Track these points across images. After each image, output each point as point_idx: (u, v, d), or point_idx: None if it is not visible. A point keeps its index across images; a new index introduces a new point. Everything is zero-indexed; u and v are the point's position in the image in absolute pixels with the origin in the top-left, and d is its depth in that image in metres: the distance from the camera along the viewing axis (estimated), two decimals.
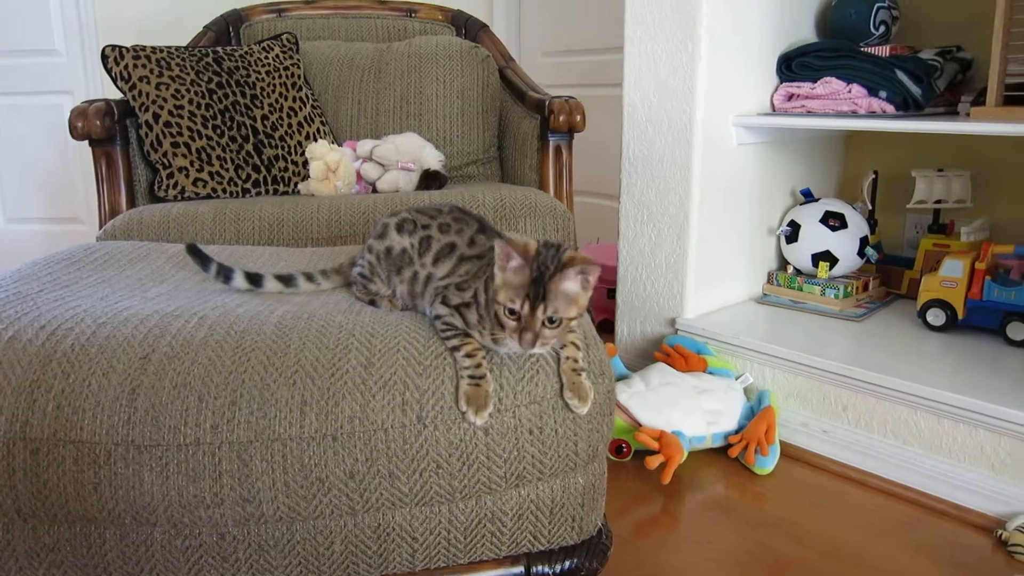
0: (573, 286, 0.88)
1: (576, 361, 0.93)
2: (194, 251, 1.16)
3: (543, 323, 0.87)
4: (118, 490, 0.84)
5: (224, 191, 1.91)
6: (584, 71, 3.36)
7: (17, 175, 3.58)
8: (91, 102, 1.84)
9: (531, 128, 2.07)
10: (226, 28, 2.43)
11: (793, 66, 2.04)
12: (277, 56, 2.11)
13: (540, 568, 0.98)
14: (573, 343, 0.95)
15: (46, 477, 0.84)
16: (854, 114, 1.91)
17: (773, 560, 1.36)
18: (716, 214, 2.04)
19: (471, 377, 0.88)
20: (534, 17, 3.53)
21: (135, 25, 3.26)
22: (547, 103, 1.96)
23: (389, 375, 0.87)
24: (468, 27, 2.49)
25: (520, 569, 0.98)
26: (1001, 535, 1.42)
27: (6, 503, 0.86)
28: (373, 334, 0.92)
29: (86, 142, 1.85)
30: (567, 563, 0.99)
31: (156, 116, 1.88)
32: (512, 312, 0.87)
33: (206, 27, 2.43)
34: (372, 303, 1.08)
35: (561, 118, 1.91)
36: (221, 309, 1.00)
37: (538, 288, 0.87)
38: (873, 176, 2.19)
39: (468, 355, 0.90)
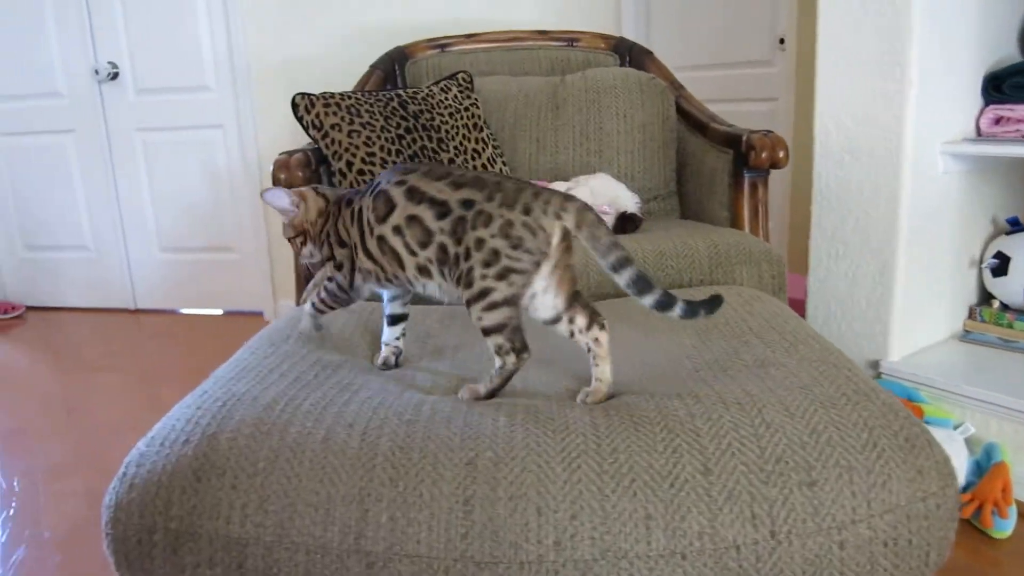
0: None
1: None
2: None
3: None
4: None
5: None
6: (712, 86, 3.29)
7: (171, 206, 3.70)
8: (291, 153, 1.86)
9: (720, 163, 1.99)
10: (392, 67, 2.43)
11: (1004, 87, 1.90)
12: (456, 96, 2.09)
13: None
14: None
15: None
16: None
17: None
18: (921, 247, 1.92)
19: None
20: (663, 33, 3.46)
21: (283, 61, 3.33)
22: (745, 138, 1.88)
23: (732, 484, 0.81)
24: (632, 54, 2.43)
25: None
26: None
27: None
28: (698, 432, 0.86)
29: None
30: None
31: (349, 164, 1.89)
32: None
33: (372, 66, 2.43)
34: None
35: (763, 155, 1.82)
36: (521, 397, 0.96)
37: None
38: None
39: None
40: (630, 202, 1.87)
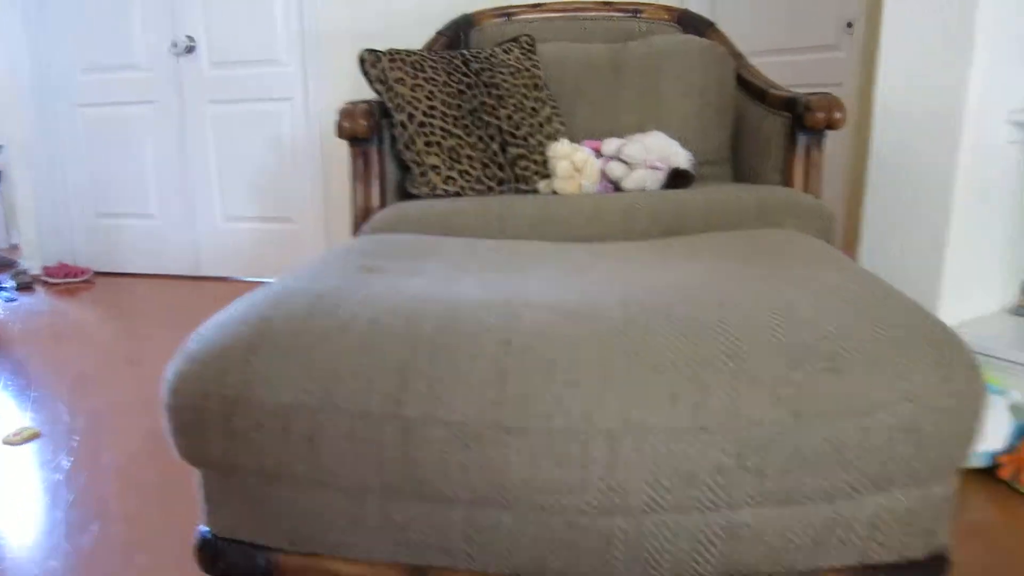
0: None
1: None
2: None
3: None
4: (485, 472, 0.84)
5: (471, 189, 1.95)
6: (774, 72, 3.28)
7: (236, 177, 3.83)
8: (356, 103, 1.93)
9: (775, 127, 1.99)
10: (457, 33, 2.49)
11: None
12: (517, 57, 2.14)
13: None
14: None
15: (415, 456, 0.86)
16: None
17: None
18: (975, 218, 1.89)
19: None
20: (728, 18, 3.47)
21: (352, 35, 3.42)
22: (802, 100, 1.88)
23: (757, 368, 0.84)
24: (696, 26, 2.44)
25: None
26: None
27: (369, 477, 0.89)
28: (726, 323, 0.89)
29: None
30: None
31: (411, 116, 1.95)
32: None
33: (439, 32, 2.50)
34: None
35: (819, 115, 1.82)
36: (554, 295, 1.00)
37: None
38: None
39: None
40: (682, 158, 1.89)
